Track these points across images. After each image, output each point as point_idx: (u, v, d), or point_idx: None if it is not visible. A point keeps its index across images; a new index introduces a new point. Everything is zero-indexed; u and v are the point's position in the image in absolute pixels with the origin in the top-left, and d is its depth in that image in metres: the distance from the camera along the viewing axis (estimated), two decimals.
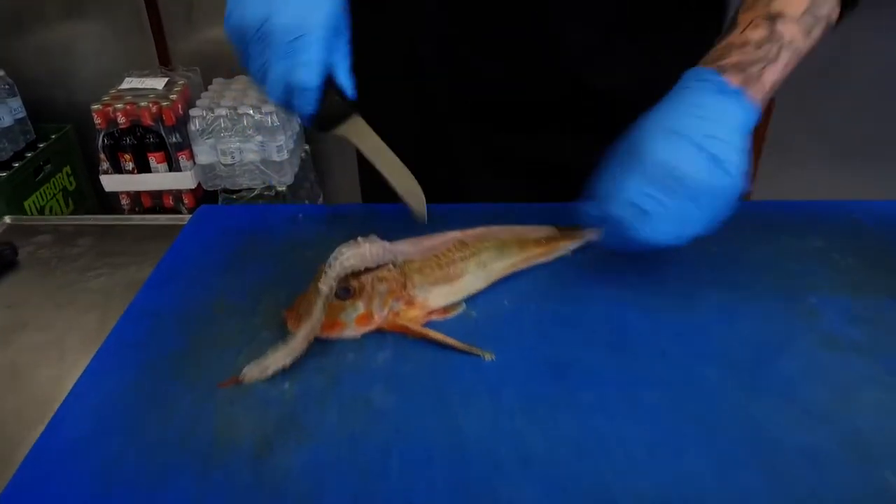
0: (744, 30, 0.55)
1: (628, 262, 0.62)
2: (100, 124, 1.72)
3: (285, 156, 1.78)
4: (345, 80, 0.57)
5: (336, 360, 0.53)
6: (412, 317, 0.56)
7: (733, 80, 0.52)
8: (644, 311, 0.57)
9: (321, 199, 2.16)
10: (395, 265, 0.57)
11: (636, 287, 0.60)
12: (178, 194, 1.85)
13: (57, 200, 2.04)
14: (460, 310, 0.58)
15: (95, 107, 1.70)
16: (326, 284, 0.53)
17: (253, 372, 0.51)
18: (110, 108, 1.70)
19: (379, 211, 0.74)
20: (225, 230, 0.71)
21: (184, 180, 1.79)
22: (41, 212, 1.96)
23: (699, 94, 0.53)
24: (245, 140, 1.75)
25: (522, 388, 0.50)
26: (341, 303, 0.54)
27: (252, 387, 0.51)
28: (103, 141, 1.75)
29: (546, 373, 0.51)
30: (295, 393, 0.50)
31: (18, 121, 1.94)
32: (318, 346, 0.53)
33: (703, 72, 0.54)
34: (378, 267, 0.57)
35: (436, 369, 0.52)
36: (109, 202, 1.93)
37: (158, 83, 1.81)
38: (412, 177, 0.65)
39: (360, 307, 0.54)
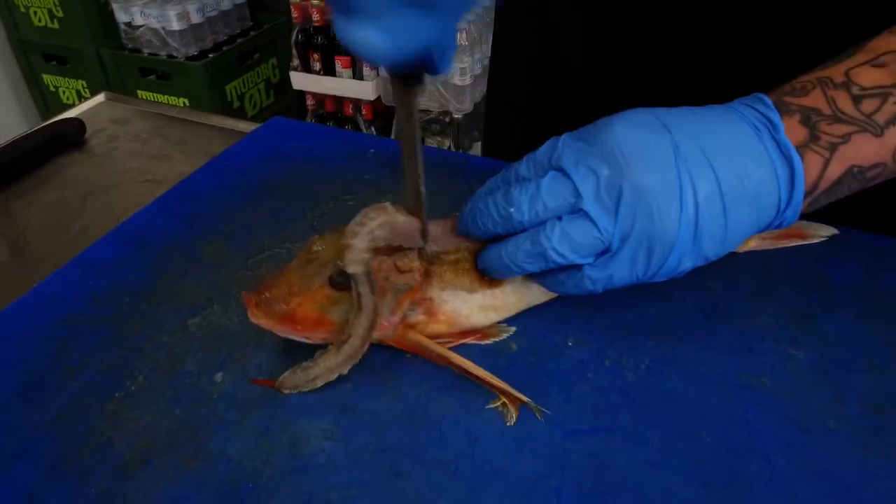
0: (862, 63, 0.34)
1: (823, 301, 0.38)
2: (296, 18, 1.70)
3: (468, 80, 1.63)
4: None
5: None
6: (434, 333, 0.39)
7: (791, 133, 0.34)
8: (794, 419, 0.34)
9: None
10: (422, 255, 0.40)
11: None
12: (357, 104, 1.80)
13: (259, 90, 2.12)
14: (503, 335, 0.40)
15: (295, 0, 1.68)
16: (358, 262, 0.36)
17: (293, 381, 0.37)
18: (308, 3, 1.67)
19: (471, 166, 0.56)
20: (280, 151, 0.58)
21: (363, 90, 1.73)
22: (241, 98, 2.04)
23: (731, 122, 0.34)
24: None
25: (534, 484, 0.31)
26: (335, 293, 0.38)
27: (184, 372, 0.38)
28: (297, 37, 1.73)
29: (588, 477, 0.32)
30: (223, 391, 0.37)
31: (237, 6, 2.00)
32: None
33: (761, 99, 0.35)
34: (398, 250, 0.40)
35: (418, 418, 0.35)
36: (305, 101, 1.93)
37: None
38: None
39: None
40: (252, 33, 2.05)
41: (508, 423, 0.35)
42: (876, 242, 0.45)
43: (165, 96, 1.97)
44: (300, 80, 1.79)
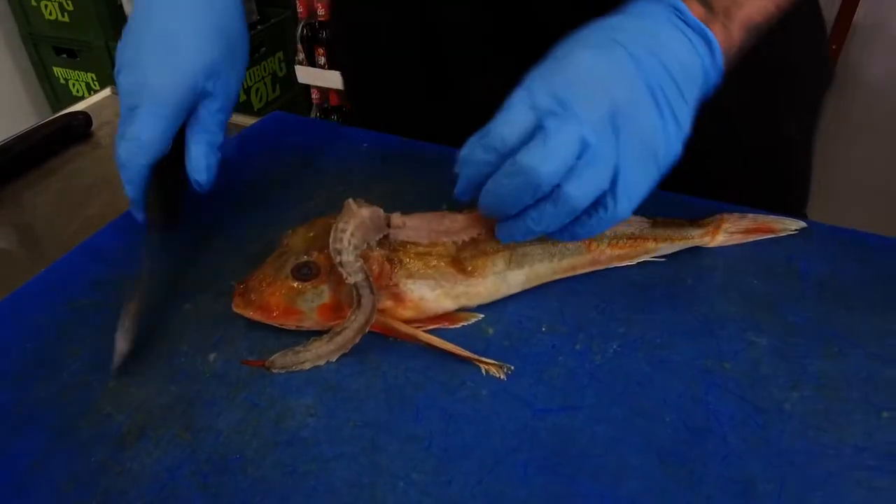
0: None
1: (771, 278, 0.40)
2: (301, 13, 1.72)
3: None
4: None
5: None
6: (402, 318, 0.41)
7: (694, 13, 0.39)
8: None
9: None
10: (382, 244, 0.42)
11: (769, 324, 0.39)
12: None
13: (265, 83, 2.14)
14: (472, 320, 0.42)
15: None
16: (355, 272, 0.39)
17: (283, 362, 0.39)
18: None
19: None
20: (278, 145, 0.61)
21: None
22: (247, 92, 2.07)
23: (653, 20, 0.39)
24: None
25: (514, 469, 0.34)
26: (299, 284, 0.41)
27: (180, 352, 0.41)
28: (303, 31, 1.75)
29: (560, 458, 0.34)
30: (215, 370, 0.39)
31: (245, 0, 2.02)
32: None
33: None
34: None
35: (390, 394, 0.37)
36: (310, 94, 1.95)
37: None
38: None
39: (325, 293, 0.40)
40: (259, 27, 2.07)
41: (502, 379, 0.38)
42: (840, 235, 0.47)
43: None
44: (305, 74, 1.81)
